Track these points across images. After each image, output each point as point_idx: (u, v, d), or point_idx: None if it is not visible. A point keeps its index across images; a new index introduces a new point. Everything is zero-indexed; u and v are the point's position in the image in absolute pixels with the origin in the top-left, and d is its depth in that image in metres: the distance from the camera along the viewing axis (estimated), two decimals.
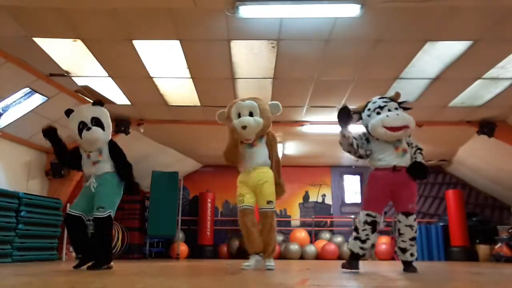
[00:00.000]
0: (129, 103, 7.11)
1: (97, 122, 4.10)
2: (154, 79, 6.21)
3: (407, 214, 3.94)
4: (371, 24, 4.70)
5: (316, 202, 11.42)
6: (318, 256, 10.04)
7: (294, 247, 10.16)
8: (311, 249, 10.18)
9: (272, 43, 5.21)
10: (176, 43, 5.20)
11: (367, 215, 3.97)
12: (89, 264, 3.94)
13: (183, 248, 9.80)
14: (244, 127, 4.18)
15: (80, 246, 4.12)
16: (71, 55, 5.51)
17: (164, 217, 8.70)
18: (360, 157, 4.19)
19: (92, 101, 4.35)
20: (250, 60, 5.64)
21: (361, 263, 4.24)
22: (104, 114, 4.23)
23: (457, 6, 4.36)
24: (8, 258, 5.75)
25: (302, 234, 10.69)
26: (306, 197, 11.46)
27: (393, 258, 10.05)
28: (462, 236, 9.55)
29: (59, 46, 5.28)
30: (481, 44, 5.09)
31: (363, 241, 3.94)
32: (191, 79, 6.24)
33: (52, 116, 6.77)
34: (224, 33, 4.95)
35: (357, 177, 11.63)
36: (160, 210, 8.73)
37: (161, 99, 6.96)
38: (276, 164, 4.47)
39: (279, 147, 9.42)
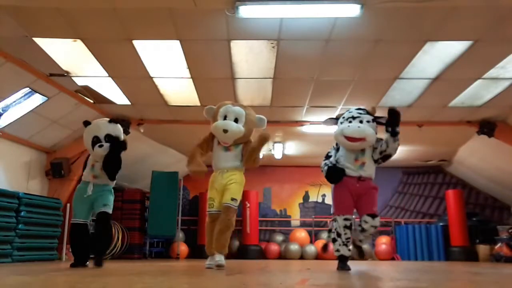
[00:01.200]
0: (129, 103, 7.11)
1: (110, 139, 4.35)
2: (154, 79, 6.21)
3: (373, 216, 4.28)
4: (371, 24, 4.70)
5: (316, 202, 11.42)
6: (318, 256, 10.04)
7: (294, 247, 10.16)
8: (311, 249, 10.18)
9: (272, 43, 5.21)
10: (176, 43, 5.20)
11: (345, 219, 4.33)
12: (86, 261, 4.39)
13: (183, 248, 9.80)
14: (225, 131, 4.27)
15: (80, 251, 4.44)
16: (71, 55, 5.51)
17: (164, 217, 8.70)
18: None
19: (108, 119, 4.63)
20: (250, 60, 5.64)
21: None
22: (118, 132, 4.48)
23: (457, 6, 4.36)
24: (8, 258, 5.75)
25: (302, 234, 10.69)
26: (306, 197, 11.46)
27: (393, 258, 10.06)
28: (462, 236, 9.55)
29: (59, 46, 5.28)
30: (481, 44, 5.09)
31: (347, 244, 4.31)
32: (191, 79, 6.24)
33: (52, 116, 6.78)
34: (224, 33, 4.95)
35: None
36: (160, 210, 8.73)
37: (161, 99, 6.96)
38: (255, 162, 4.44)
39: (279, 147, 9.45)
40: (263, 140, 4.30)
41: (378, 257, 10.14)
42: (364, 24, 4.69)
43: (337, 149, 4.60)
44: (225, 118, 4.35)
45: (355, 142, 4.28)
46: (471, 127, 7.78)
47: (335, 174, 4.42)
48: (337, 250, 4.29)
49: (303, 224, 11.25)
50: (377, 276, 3.60)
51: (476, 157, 9.22)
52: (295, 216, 11.41)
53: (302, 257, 10.08)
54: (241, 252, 10.17)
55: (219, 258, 4.15)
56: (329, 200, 11.42)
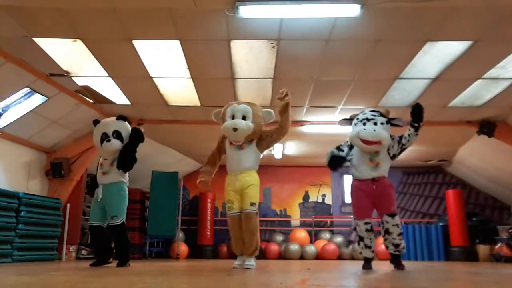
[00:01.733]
0: (129, 103, 7.11)
1: (118, 135, 4.50)
2: (154, 79, 6.21)
3: (391, 215, 4.45)
4: (371, 24, 4.70)
5: (316, 202, 11.42)
6: (318, 256, 10.05)
7: (294, 247, 10.16)
8: (311, 249, 10.18)
9: (272, 43, 5.21)
10: (176, 43, 5.20)
11: (366, 223, 4.55)
12: (107, 261, 4.56)
13: (183, 248, 9.80)
14: (235, 129, 4.35)
15: (99, 250, 4.62)
16: (71, 55, 5.51)
17: (164, 217, 8.70)
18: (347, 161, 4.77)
19: (116, 116, 4.77)
20: (250, 60, 5.64)
21: (362, 262, 4.70)
22: (125, 128, 4.60)
23: (457, 6, 4.36)
24: (8, 258, 5.75)
25: (302, 234, 10.70)
26: (306, 197, 11.46)
27: None
28: (462, 236, 9.55)
29: (59, 46, 5.28)
30: (481, 44, 5.09)
31: (370, 246, 4.55)
32: (191, 79, 6.24)
33: (52, 116, 6.78)
34: (224, 33, 4.95)
35: None
36: (160, 210, 8.73)
37: (161, 99, 6.96)
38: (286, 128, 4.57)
39: (279, 147, 9.45)
40: (284, 106, 4.46)
41: (378, 257, 10.13)
42: (364, 24, 4.69)
43: (350, 147, 4.72)
44: (233, 117, 4.44)
45: (370, 145, 4.40)
46: (471, 127, 7.78)
47: (335, 162, 4.66)
48: (361, 253, 4.60)
49: (303, 224, 11.25)
50: (377, 276, 3.60)
51: (476, 157, 9.22)
52: (295, 216, 11.41)
53: (302, 257, 10.08)
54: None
55: (248, 262, 4.37)
56: (329, 200, 11.43)
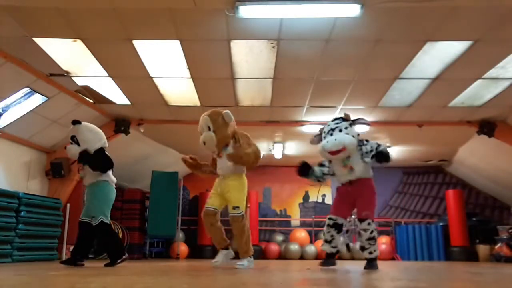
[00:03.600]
0: (129, 103, 7.11)
1: (76, 139, 4.58)
2: (154, 79, 6.21)
3: (360, 220, 4.53)
4: (371, 24, 4.70)
5: (316, 202, 11.42)
6: (318, 256, 10.03)
7: (294, 247, 10.16)
8: (311, 249, 10.18)
9: (272, 43, 5.21)
10: (176, 43, 5.20)
11: (329, 218, 4.71)
12: (77, 261, 4.54)
13: (183, 248, 9.80)
14: (204, 143, 4.52)
15: (79, 247, 4.61)
16: (71, 55, 5.51)
17: (164, 217, 8.69)
18: (330, 176, 4.89)
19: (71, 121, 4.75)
20: (250, 60, 5.64)
21: (362, 263, 4.69)
22: (79, 132, 4.59)
23: (457, 6, 4.36)
24: (8, 258, 5.75)
25: (302, 234, 10.70)
26: (306, 197, 11.46)
27: (393, 258, 10.06)
28: (462, 236, 9.54)
29: (59, 46, 5.28)
30: (481, 44, 5.09)
31: (330, 241, 4.65)
32: (191, 79, 6.24)
33: (52, 116, 6.78)
34: (224, 33, 4.95)
35: None
36: (160, 210, 8.72)
37: (161, 99, 6.96)
38: (255, 158, 4.50)
39: (279, 147, 9.44)
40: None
41: (378, 257, 10.14)
42: (364, 24, 4.70)
43: (330, 160, 4.82)
44: (203, 130, 4.58)
45: (337, 155, 4.50)
46: (471, 127, 7.78)
47: (301, 168, 4.89)
48: (323, 248, 4.76)
49: (303, 224, 11.25)
50: (377, 276, 3.60)
51: (476, 157, 9.22)
52: (295, 216, 11.41)
53: (302, 257, 10.08)
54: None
55: (240, 262, 4.43)
56: (329, 200, 11.42)
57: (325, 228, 4.70)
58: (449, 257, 9.58)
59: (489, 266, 6.57)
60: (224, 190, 4.53)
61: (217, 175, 4.73)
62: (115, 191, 4.78)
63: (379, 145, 4.48)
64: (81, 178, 4.68)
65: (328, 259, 4.72)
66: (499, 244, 8.63)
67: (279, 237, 10.98)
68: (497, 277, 3.70)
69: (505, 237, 8.53)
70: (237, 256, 4.63)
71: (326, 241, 4.67)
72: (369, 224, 4.47)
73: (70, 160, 7.58)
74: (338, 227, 4.64)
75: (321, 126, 4.88)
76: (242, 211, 4.46)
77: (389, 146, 4.68)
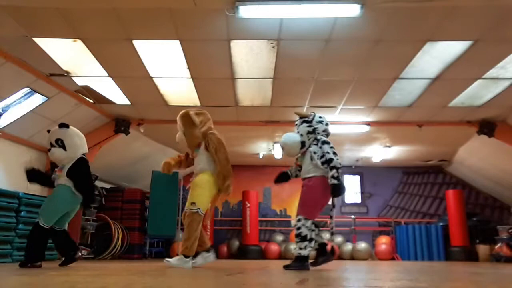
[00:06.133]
0: (129, 103, 7.11)
1: (61, 143, 4.48)
2: (154, 79, 6.21)
3: (296, 216, 4.68)
4: (371, 24, 4.70)
5: None
6: None
7: (294, 247, 10.15)
8: None
9: (272, 43, 5.21)
10: (176, 43, 5.20)
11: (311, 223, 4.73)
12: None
13: None
14: (178, 143, 4.67)
15: (59, 251, 4.61)
16: (71, 55, 5.51)
17: (164, 217, 8.68)
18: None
19: (58, 124, 4.67)
20: (250, 60, 5.64)
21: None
22: (67, 136, 4.51)
23: (457, 6, 4.36)
24: (8, 258, 5.75)
25: None
26: None
27: (393, 258, 10.07)
28: (462, 236, 9.55)
29: (59, 46, 5.28)
30: (481, 44, 5.09)
31: (313, 240, 4.67)
32: (191, 79, 6.24)
33: (52, 116, 6.78)
34: (224, 33, 4.95)
35: (357, 177, 11.63)
36: (160, 210, 8.72)
37: (161, 99, 6.96)
38: (221, 168, 4.52)
39: (279, 147, 9.43)
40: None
41: (378, 257, 10.14)
42: (364, 24, 4.69)
43: None
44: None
45: (283, 152, 4.84)
46: (471, 127, 7.78)
47: (280, 179, 5.07)
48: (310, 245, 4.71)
49: None
50: (377, 276, 3.60)
51: (476, 157, 9.22)
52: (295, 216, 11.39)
53: None
54: (241, 252, 10.18)
55: (172, 259, 4.43)
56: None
57: (311, 233, 4.64)
58: (449, 257, 9.59)
59: (489, 266, 6.57)
60: (191, 187, 4.57)
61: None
62: (71, 198, 4.42)
63: (330, 161, 4.37)
64: (53, 178, 4.53)
65: (320, 256, 4.63)
66: (499, 244, 8.63)
67: (279, 237, 10.97)
68: (497, 277, 3.70)
69: (505, 237, 8.53)
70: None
71: (310, 240, 4.58)
72: (298, 220, 4.60)
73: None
74: (317, 225, 4.80)
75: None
76: (199, 208, 4.37)
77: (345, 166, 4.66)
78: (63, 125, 4.54)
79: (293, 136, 4.70)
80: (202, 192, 4.46)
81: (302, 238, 4.52)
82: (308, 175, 4.55)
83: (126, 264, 5.64)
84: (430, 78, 6.12)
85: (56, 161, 4.55)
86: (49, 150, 4.47)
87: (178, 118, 4.66)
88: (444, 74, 5.94)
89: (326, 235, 10.79)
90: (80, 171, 4.45)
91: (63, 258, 4.50)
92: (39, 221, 4.28)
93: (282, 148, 4.83)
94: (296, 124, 4.79)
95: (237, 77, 6.17)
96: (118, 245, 8.16)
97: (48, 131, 4.66)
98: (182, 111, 4.70)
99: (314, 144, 4.52)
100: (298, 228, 4.57)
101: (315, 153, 4.46)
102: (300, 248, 4.50)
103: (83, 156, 4.55)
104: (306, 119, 4.68)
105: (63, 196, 4.37)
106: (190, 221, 4.37)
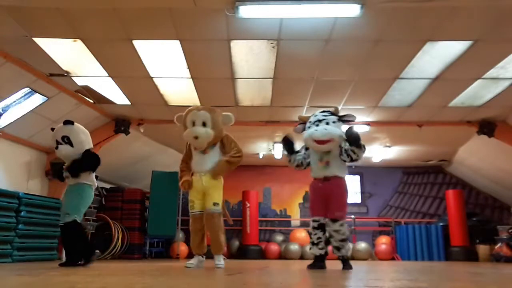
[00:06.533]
0: (129, 103, 7.11)
1: (67, 140, 4.52)
2: (154, 79, 6.21)
3: (334, 220, 4.49)
4: (371, 24, 4.70)
5: None
6: None
7: (294, 247, 10.16)
8: None
9: (272, 43, 5.21)
10: (176, 43, 5.20)
11: (313, 221, 4.66)
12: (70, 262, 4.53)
13: (183, 248, 9.79)
14: (196, 137, 4.47)
15: (69, 249, 4.69)
16: (71, 55, 5.51)
17: (164, 217, 8.69)
18: (306, 166, 4.81)
19: (63, 121, 4.69)
20: (250, 60, 5.64)
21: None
22: (73, 132, 4.56)
23: (457, 6, 4.36)
24: (8, 258, 5.74)
25: (302, 234, 10.69)
26: (306, 197, 11.45)
27: (393, 258, 10.06)
28: (462, 236, 9.55)
29: (59, 46, 5.28)
30: (481, 44, 5.09)
31: (317, 244, 4.60)
32: (191, 79, 6.24)
33: (52, 116, 6.78)
34: (224, 33, 4.95)
35: (357, 177, 11.63)
36: (160, 210, 8.73)
37: (161, 99, 6.96)
38: (227, 168, 4.59)
39: (279, 147, 9.42)
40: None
41: (378, 257, 10.14)
42: (364, 24, 4.69)
43: (306, 148, 4.83)
44: (194, 123, 4.52)
45: (324, 144, 4.47)
46: (471, 127, 7.78)
47: (285, 142, 4.87)
48: (312, 251, 4.69)
49: (303, 224, 11.24)
50: (377, 276, 3.60)
51: (476, 157, 9.22)
52: (295, 216, 11.40)
53: (302, 257, 10.07)
54: (241, 252, 10.17)
55: (218, 261, 4.50)
56: None
57: (311, 231, 4.70)
58: (449, 257, 9.58)
59: (489, 266, 6.57)
60: (206, 187, 4.53)
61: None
62: (93, 196, 4.72)
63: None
64: (66, 177, 4.59)
65: (317, 262, 4.66)
66: (499, 244, 8.63)
67: (279, 237, 10.97)
68: (497, 277, 3.70)
69: (505, 237, 8.53)
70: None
71: (313, 243, 4.65)
72: (341, 225, 4.49)
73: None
74: (322, 227, 4.60)
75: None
76: (220, 209, 4.54)
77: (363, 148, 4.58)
78: (68, 122, 4.58)
79: (338, 130, 4.52)
80: (220, 194, 4.60)
81: (347, 241, 4.57)
82: (338, 174, 4.57)
83: (126, 264, 5.64)
84: (430, 78, 6.12)
85: (64, 158, 4.59)
86: (56, 147, 4.50)
87: (203, 113, 4.51)
88: (444, 74, 5.94)
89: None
90: (89, 155, 4.57)
91: (65, 258, 4.58)
92: (75, 219, 4.38)
93: (327, 141, 4.44)
94: (325, 117, 4.62)
95: (237, 77, 6.17)
96: (118, 245, 8.16)
97: (52, 129, 4.67)
98: (210, 108, 4.64)
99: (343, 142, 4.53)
100: (343, 233, 4.52)
101: (346, 150, 4.47)
102: (347, 250, 4.57)
103: (89, 149, 4.64)
104: (338, 117, 4.66)
105: (88, 193, 4.56)
106: (218, 222, 4.49)
